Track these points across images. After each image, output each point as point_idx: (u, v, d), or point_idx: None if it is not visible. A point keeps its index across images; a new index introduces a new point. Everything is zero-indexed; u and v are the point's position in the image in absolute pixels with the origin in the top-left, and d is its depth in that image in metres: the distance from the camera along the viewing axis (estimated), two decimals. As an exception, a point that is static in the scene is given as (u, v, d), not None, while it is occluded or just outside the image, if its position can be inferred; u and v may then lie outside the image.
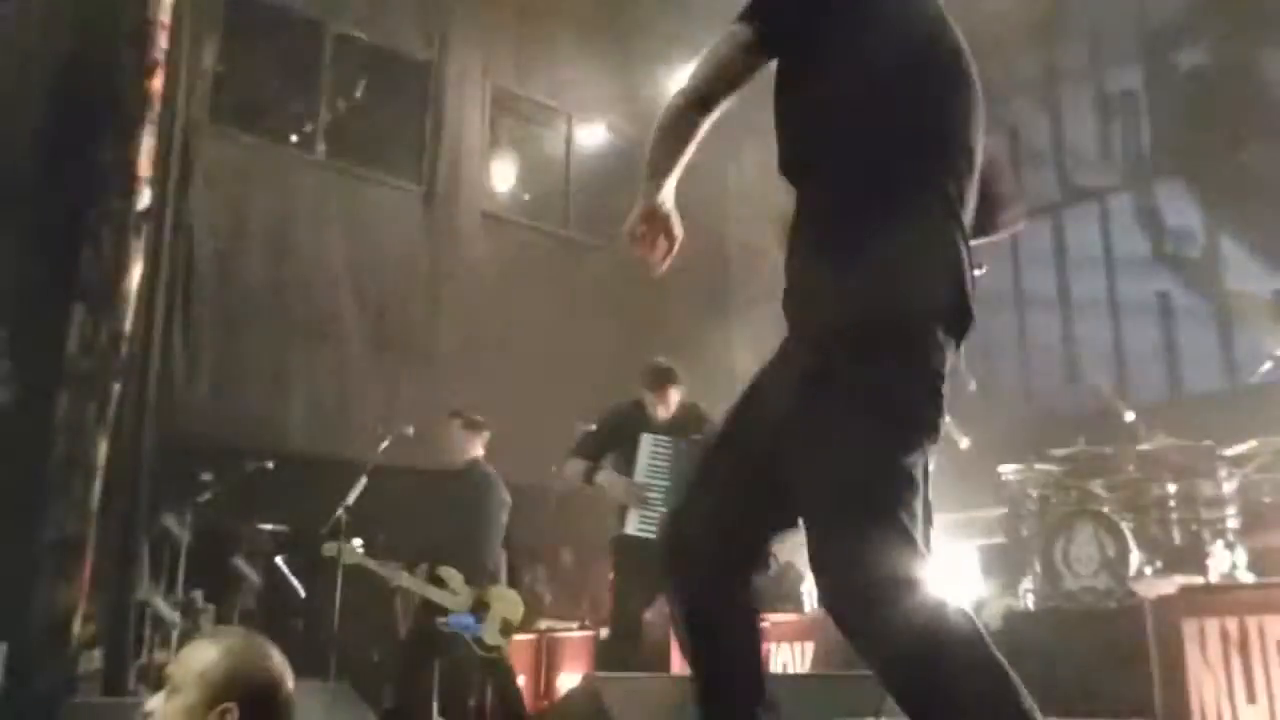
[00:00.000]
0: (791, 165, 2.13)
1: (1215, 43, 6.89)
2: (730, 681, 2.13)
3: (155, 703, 2.05)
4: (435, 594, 5.55)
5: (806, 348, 1.99)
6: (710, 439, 2.28)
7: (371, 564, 5.53)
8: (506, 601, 5.68)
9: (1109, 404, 5.78)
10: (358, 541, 5.59)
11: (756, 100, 2.22)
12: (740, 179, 9.39)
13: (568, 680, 6.69)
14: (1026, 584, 5.52)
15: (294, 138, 8.64)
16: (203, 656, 2.03)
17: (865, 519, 1.86)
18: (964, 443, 5.66)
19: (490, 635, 5.58)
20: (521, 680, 7.14)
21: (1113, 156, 7.40)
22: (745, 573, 2.16)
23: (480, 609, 5.58)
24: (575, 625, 7.26)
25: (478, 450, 5.89)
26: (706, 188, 9.02)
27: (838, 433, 1.90)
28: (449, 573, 5.56)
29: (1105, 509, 5.30)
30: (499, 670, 5.76)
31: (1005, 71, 7.91)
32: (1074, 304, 7.35)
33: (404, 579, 5.56)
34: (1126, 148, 7.35)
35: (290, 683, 2.11)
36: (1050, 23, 7.70)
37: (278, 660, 2.10)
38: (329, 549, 5.47)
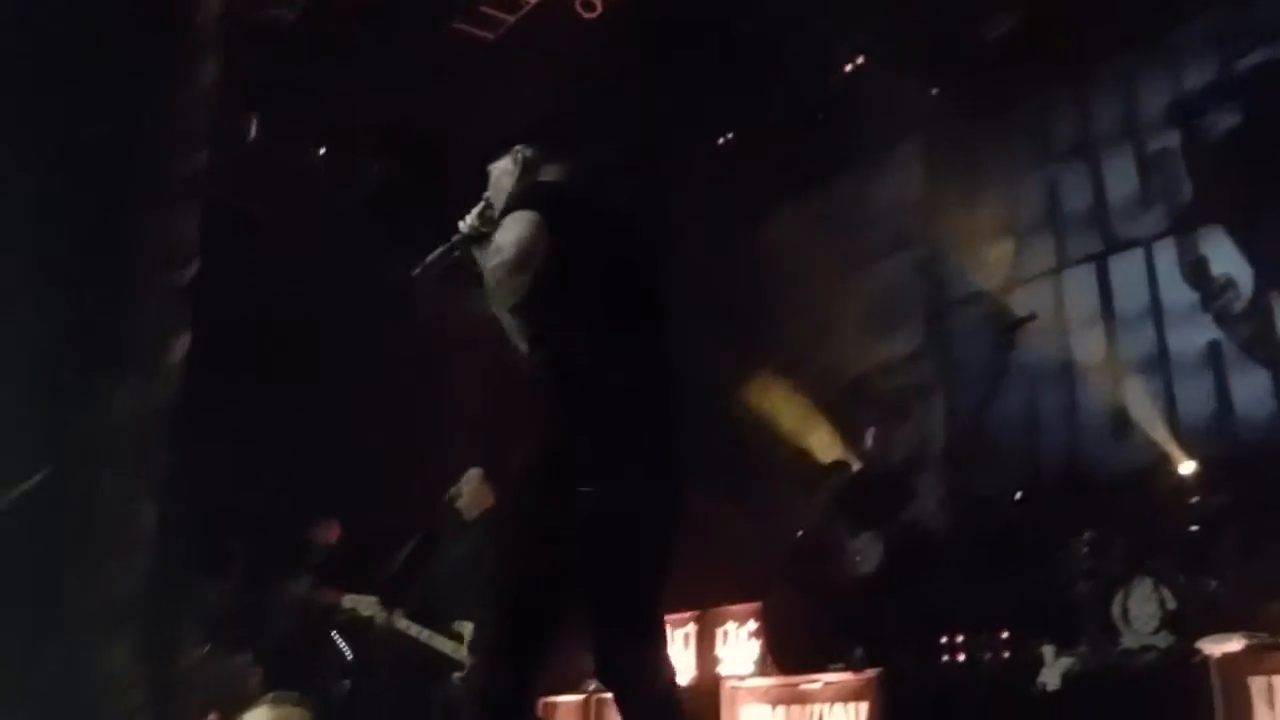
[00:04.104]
0: None
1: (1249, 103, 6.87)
2: None
3: None
4: (441, 644, 5.48)
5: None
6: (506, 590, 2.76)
7: (372, 615, 5.51)
8: None
9: (1164, 457, 5.69)
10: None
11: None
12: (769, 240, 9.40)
13: (616, 744, 6.60)
14: (1084, 643, 5.40)
15: (331, 210, 8.76)
16: None
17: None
18: (1018, 496, 5.60)
19: None
20: (567, 744, 7.08)
21: (1155, 208, 7.36)
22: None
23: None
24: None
25: (490, 504, 5.89)
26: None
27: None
28: (462, 625, 5.51)
29: (1164, 564, 5.20)
30: None
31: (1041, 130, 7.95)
32: (1122, 357, 7.25)
33: (413, 629, 5.50)
34: (1168, 200, 7.30)
35: None
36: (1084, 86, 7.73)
37: None
38: (349, 601, 5.50)
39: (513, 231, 2.80)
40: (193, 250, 6.25)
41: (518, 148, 3.17)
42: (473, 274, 3.06)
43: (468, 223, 3.11)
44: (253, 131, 7.58)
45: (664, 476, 2.85)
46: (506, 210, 2.94)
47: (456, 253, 3.12)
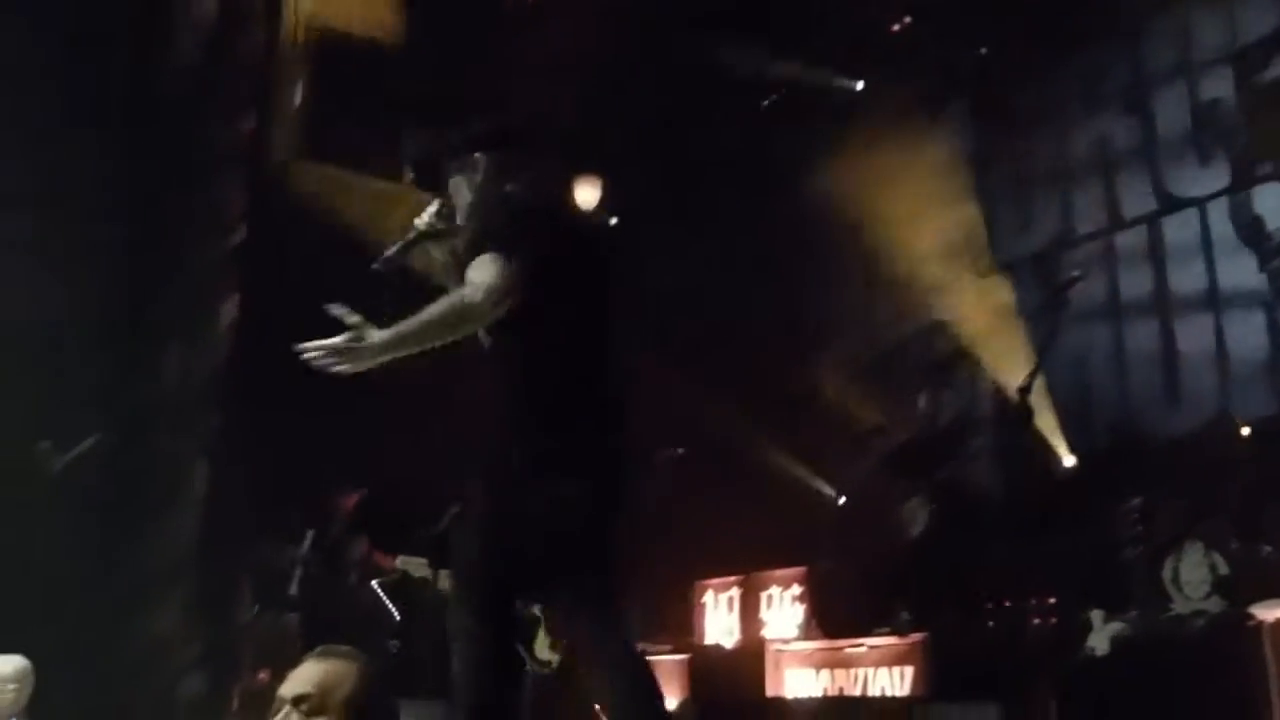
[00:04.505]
0: None
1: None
2: None
3: None
4: None
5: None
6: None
7: (424, 577, 5.59)
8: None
9: (1217, 420, 5.60)
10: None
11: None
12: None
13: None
14: (1133, 609, 5.34)
15: (382, 172, 8.76)
16: (345, 677, 1.94)
17: None
18: (1068, 460, 5.53)
19: (541, 650, 5.56)
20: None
21: (1210, 165, 7.19)
22: None
23: (529, 623, 5.56)
24: (666, 649, 7.19)
25: None
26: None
27: None
28: None
29: (1216, 529, 5.13)
30: (567, 685, 5.73)
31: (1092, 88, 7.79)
32: (1174, 319, 7.12)
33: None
34: (1224, 157, 7.13)
35: None
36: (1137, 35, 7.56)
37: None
38: (402, 563, 5.58)
39: (487, 274, 2.90)
40: (239, 216, 6.32)
41: (477, 155, 3.32)
42: (430, 267, 3.36)
43: (425, 220, 3.30)
44: (298, 98, 7.60)
45: (619, 476, 3.10)
46: (472, 217, 3.22)
47: (414, 248, 3.33)
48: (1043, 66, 7.92)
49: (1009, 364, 6.68)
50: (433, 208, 3.34)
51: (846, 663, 6.27)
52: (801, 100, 8.73)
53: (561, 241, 3.17)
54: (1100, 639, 5.06)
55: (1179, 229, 7.20)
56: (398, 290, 3.21)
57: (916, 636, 5.89)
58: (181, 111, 6.69)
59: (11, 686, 4.55)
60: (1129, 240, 7.43)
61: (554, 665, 5.66)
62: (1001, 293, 7.69)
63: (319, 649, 1.98)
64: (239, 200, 6.47)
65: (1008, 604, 5.72)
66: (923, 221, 8.23)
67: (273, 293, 7.07)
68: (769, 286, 8.70)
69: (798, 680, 6.40)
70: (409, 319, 2.95)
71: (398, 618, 6.91)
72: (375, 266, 3.28)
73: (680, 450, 7.35)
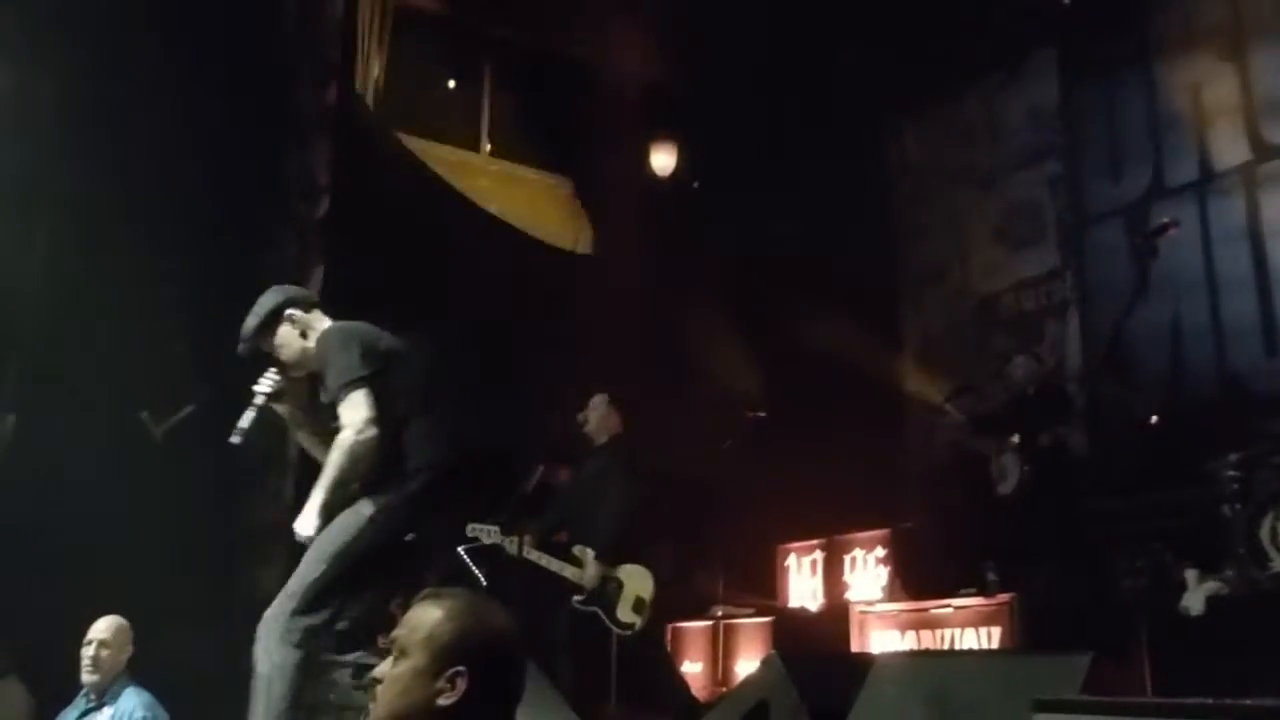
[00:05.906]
0: None
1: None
2: None
3: (382, 668, 1.91)
4: (568, 570, 5.60)
5: None
6: None
7: (504, 543, 5.63)
8: (638, 578, 5.68)
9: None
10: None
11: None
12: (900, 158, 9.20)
13: (744, 666, 6.66)
14: (1229, 568, 5.21)
15: (459, 142, 8.87)
16: (429, 618, 1.91)
17: None
18: (1162, 415, 5.41)
19: (624, 613, 5.60)
20: (699, 667, 7.17)
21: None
22: None
23: (611, 585, 5.60)
24: (750, 611, 7.22)
25: (617, 428, 5.96)
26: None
27: None
28: (583, 550, 5.62)
29: (1317, 485, 4.99)
30: (649, 648, 5.77)
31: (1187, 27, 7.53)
32: (1271, 272, 6.89)
33: (534, 555, 5.62)
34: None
35: (522, 644, 1.97)
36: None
37: (508, 620, 1.96)
38: (472, 530, 5.64)
39: (357, 413, 3.60)
40: (325, 184, 6.41)
41: (287, 312, 3.86)
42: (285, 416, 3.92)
43: (264, 386, 3.80)
44: (381, 66, 7.67)
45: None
46: (329, 366, 3.70)
47: (261, 412, 3.77)
48: (1130, 17, 7.69)
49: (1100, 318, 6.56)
50: (270, 373, 3.81)
51: (932, 624, 6.23)
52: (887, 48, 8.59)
53: (384, 345, 3.83)
54: (1196, 598, 4.96)
55: (1276, 179, 6.95)
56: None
57: (1004, 597, 5.83)
58: (272, 81, 6.79)
59: (105, 651, 4.61)
60: (1224, 189, 7.18)
61: (636, 628, 5.71)
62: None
63: (424, 592, 1.99)
64: (324, 168, 6.56)
65: (1099, 563, 5.63)
66: (1009, 173, 8.08)
67: (358, 261, 7.20)
68: (852, 248, 8.61)
69: (883, 642, 6.39)
70: (320, 483, 3.57)
71: (484, 582, 7.01)
72: (232, 440, 3.67)
73: (762, 413, 7.33)
